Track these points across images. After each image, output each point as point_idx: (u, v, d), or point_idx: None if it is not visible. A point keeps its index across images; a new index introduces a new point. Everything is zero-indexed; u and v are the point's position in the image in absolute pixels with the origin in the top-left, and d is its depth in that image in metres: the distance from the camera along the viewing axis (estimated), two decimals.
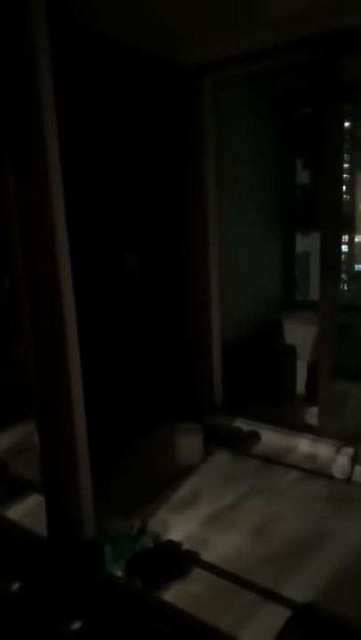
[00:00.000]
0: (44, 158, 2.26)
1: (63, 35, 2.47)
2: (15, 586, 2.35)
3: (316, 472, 3.28)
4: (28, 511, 2.95)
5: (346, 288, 8.01)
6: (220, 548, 2.60)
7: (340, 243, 3.61)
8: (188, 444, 3.42)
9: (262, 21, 2.81)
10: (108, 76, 3.18)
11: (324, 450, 3.45)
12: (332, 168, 3.33)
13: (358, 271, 8.39)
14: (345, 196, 5.67)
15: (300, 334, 4.34)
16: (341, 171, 3.55)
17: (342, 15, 2.79)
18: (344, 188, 4.75)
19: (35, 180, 2.30)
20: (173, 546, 2.60)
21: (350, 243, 7.65)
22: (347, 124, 4.69)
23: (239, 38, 3.09)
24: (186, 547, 2.59)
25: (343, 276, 7.04)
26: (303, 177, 4.88)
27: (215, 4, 2.59)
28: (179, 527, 2.76)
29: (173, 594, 2.31)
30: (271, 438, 3.69)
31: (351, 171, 6.08)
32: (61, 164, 2.33)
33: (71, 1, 2.46)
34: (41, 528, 2.72)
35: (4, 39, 2.22)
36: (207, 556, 2.53)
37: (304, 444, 3.57)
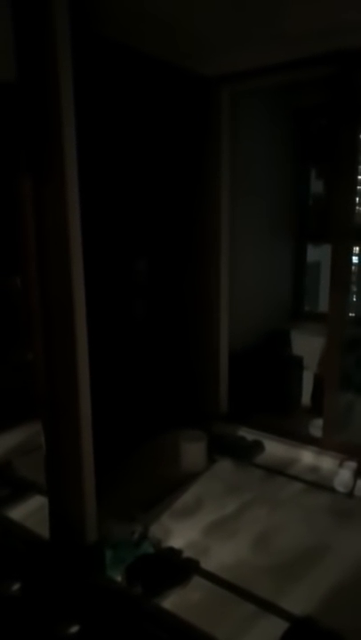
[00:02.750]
0: (62, 163, 2.28)
1: (84, 43, 2.49)
2: (15, 587, 2.37)
3: (319, 484, 3.28)
4: (30, 512, 2.97)
5: (355, 299, 7.99)
6: (220, 556, 2.61)
7: (351, 255, 3.61)
8: (193, 451, 3.43)
9: (283, 36, 2.83)
10: (126, 84, 3.21)
11: (327, 462, 3.45)
12: (346, 180, 3.34)
13: None
14: (358, 207, 5.66)
15: (307, 345, 4.33)
16: (356, 183, 3.56)
17: None
18: (357, 199, 4.75)
19: (51, 184, 2.33)
20: (174, 553, 2.61)
21: None
22: None
23: (259, 51, 3.11)
24: (186, 554, 2.60)
25: (353, 287, 7.02)
26: (317, 188, 4.89)
27: (236, 17, 2.61)
28: (180, 534, 2.77)
29: (172, 601, 2.32)
30: (275, 448, 3.69)
31: None
32: (78, 170, 2.36)
33: (93, 10, 2.49)
34: (43, 529, 2.74)
35: (26, 44, 2.25)
36: (207, 564, 2.54)
37: (307, 456, 3.57)
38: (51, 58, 2.20)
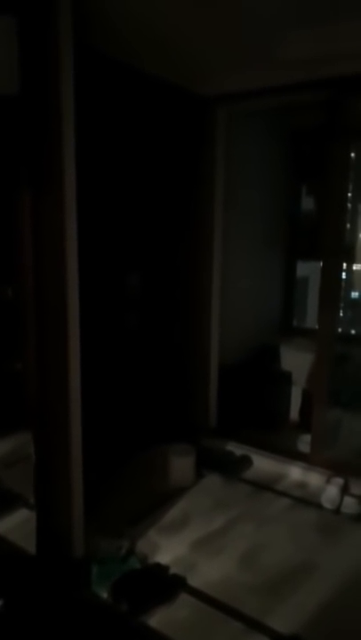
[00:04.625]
0: (61, 177, 2.28)
1: (86, 60, 2.51)
2: None
3: (306, 500, 3.28)
4: (15, 525, 2.93)
5: (341, 314, 8.04)
6: (207, 573, 2.59)
7: (340, 272, 3.65)
8: (181, 465, 3.42)
9: (279, 60, 2.88)
10: (124, 101, 3.24)
11: (314, 478, 3.46)
12: (337, 199, 3.39)
13: (355, 299, 8.44)
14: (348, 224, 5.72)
15: (296, 361, 4.36)
16: (346, 201, 3.61)
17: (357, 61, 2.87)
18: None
19: (50, 197, 2.33)
20: (161, 569, 2.59)
21: (348, 270, 7.69)
22: (353, 155, 4.76)
23: (256, 75, 3.16)
24: (173, 570, 2.58)
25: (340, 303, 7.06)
26: (308, 205, 4.93)
27: (235, 41, 2.66)
28: (167, 550, 2.75)
29: (158, 619, 2.29)
30: (263, 464, 3.69)
31: (354, 201, 6.16)
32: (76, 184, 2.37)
33: (95, 29, 2.52)
34: (27, 544, 2.70)
35: (30, 60, 2.26)
36: (194, 581, 2.52)
37: (295, 472, 3.57)
38: (53, 74, 2.21)
